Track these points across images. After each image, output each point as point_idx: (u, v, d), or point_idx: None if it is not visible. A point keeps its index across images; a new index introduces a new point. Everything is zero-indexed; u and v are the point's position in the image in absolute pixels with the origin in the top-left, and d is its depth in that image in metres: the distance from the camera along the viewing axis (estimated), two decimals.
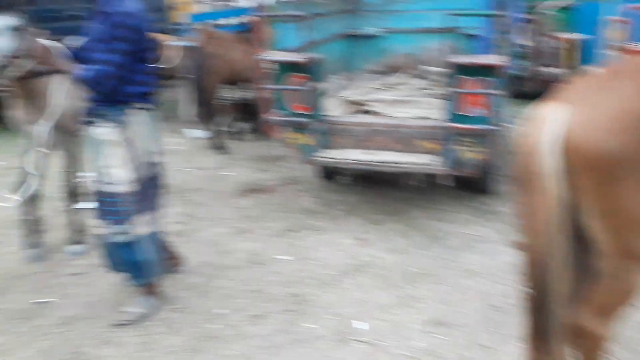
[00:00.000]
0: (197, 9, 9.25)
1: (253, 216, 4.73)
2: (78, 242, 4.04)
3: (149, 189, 3.11)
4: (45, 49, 3.14)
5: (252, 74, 6.75)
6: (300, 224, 4.54)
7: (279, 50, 4.38)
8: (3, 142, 6.33)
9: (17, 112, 3.69)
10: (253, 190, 5.37)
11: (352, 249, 4.08)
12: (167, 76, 7.03)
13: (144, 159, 3.02)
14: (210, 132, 6.69)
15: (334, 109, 4.66)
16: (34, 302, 3.44)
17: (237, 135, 7.26)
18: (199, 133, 7.13)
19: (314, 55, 4.16)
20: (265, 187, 5.44)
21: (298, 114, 4.28)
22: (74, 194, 3.90)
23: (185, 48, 6.85)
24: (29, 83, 3.48)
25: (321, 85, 4.30)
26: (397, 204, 4.81)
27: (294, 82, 4.15)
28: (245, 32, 6.92)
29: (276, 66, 4.20)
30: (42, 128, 3.55)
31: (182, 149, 6.78)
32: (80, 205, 3.88)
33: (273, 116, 4.34)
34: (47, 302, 3.45)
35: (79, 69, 2.84)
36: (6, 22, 3.07)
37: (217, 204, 5.03)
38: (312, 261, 3.92)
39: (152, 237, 3.15)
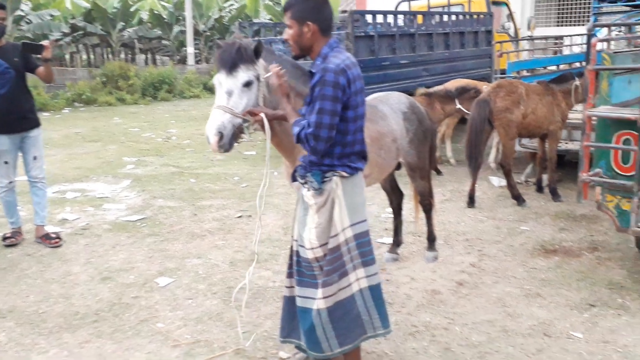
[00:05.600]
0: (523, 56, 9.03)
1: (547, 280, 4.30)
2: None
3: (348, 257, 2.73)
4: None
5: (547, 127, 6.30)
6: (603, 300, 3.95)
7: (609, 104, 3.93)
8: None
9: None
10: (550, 250, 4.91)
11: None
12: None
13: (341, 226, 2.69)
14: (507, 182, 6.42)
15: None
16: None
17: (538, 187, 6.82)
18: (504, 182, 6.91)
19: None
20: (565, 249, 4.92)
21: (620, 175, 3.76)
22: None
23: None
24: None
25: None
26: None
27: (621, 139, 3.68)
28: (557, 82, 6.48)
29: (602, 121, 3.78)
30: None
31: (484, 197, 6.65)
32: None
33: (590, 175, 3.89)
34: None
35: (296, 125, 2.65)
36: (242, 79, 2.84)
37: (508, 259, 4.74)
38: (612, 347, 3.35)
39: (338, 307, 2.72)
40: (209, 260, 4.79)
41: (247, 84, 2.82)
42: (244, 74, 2.80)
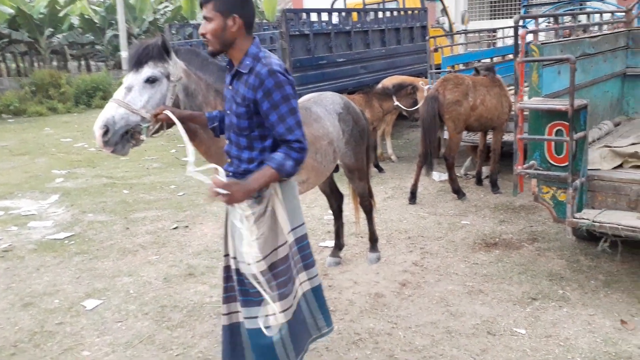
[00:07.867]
0: (458, 50, 9.09)
1: (489, 275, 4.27)
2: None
3: (291, 265, 2.54)
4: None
5: (497, 119, 6.31)
6: (545, 292, 3.94)
7: (540, 96, 3.91)
8: None
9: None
10: (491, 244, 4.89)
11: (610, 333, 3.36)
12: (415, 119, 7.09)
13: (283, 236, 2.50)
14: (448, 175, 6.40)
15: (599, 161, 3.99)
16: None
17: (478, 180, 6.85)
18: (444, 176, 6.90)
19: (578, 101, 3.60)
20: (506, 242, 4.92)
21: (555, 166, 3.75)
22: None
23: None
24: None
25: (584, 135, 3.70)
26: None
27: (553, 131, 3.66)
28: (495, 73, 6.51)
29: (534, 113, 3.75)
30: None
31: (425, 193, 6.61)
32: None
33: (525, 167, 3.86)
34: None
35: (282, 163, 2.34)
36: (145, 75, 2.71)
37: (450, 255, 4.69)
38: (554, 341, 3.32)
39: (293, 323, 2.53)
40: (141, 278, 4.52)
41: (150, 80, 2.66)
42: (148, 69, 2.65)
